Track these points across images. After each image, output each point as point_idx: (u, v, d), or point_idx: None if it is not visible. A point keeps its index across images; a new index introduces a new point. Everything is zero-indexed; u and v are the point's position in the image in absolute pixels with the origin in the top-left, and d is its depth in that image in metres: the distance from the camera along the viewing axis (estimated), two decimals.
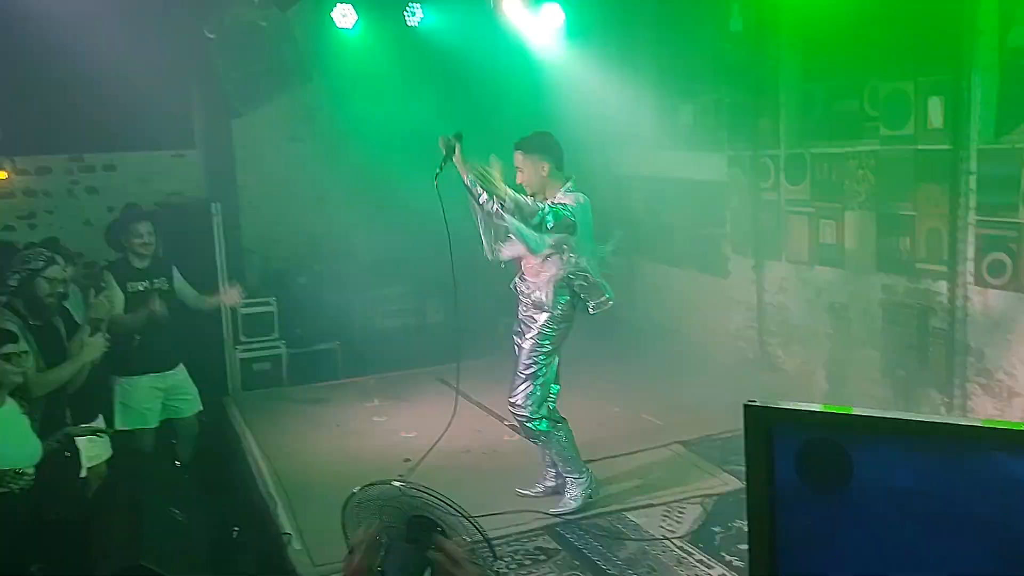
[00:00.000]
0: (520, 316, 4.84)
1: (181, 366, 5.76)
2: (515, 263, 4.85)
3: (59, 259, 4.65)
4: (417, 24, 7.31)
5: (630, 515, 4.77)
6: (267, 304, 7.65)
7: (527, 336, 4.75)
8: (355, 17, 7.16)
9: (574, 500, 4.82)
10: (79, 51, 6.17)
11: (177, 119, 7.68)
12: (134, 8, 6.45)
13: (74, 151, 7.48)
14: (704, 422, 5.76)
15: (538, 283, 4.70)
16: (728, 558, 4.21)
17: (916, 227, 5.51)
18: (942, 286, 5.37)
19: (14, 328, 4.12)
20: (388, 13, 7.19)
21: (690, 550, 4.35)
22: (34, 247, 5.01)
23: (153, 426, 5.57)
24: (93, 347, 4.52)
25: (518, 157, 4.65)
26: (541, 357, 4.71)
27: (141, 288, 5.43)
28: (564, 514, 4.76)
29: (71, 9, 6.02)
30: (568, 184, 4.68)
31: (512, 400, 4.77)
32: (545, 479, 5.06)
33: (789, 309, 6.70)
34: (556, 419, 4.82)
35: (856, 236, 5.98)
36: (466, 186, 4.52)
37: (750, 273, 7.01)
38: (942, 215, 5.31)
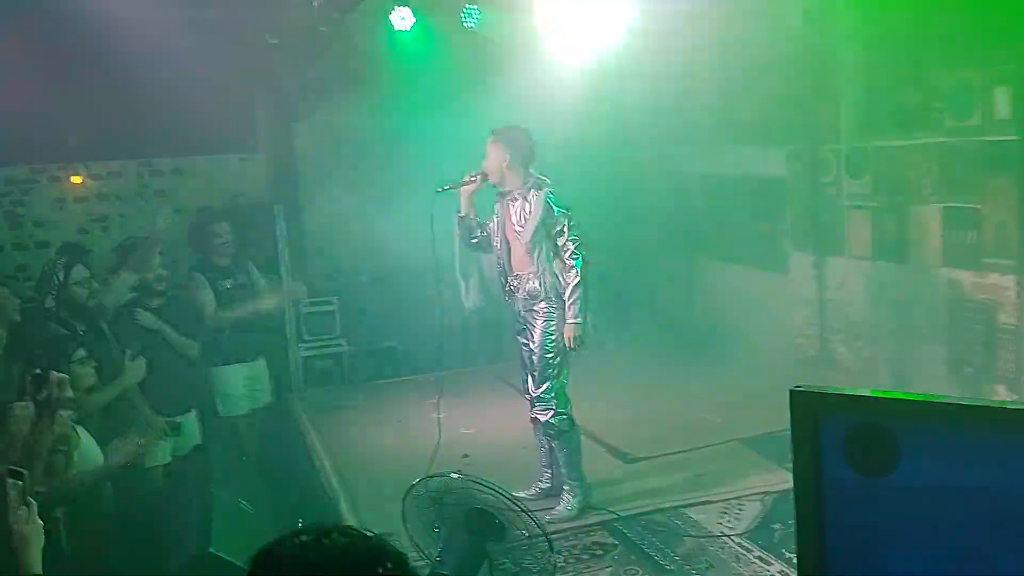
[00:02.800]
0: (521, 315, 4.83)
1: (262, 358, 6.10)
2: (498, 268, 4.92)
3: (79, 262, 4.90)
4: (474, 26, 7.37)
5: (689, 511, 4.77)
6: (329, 303, 7.81)
7: (535, 329, 4.72)
8: (413, 20, 7.25)
9: (569, 508, 4.75)
10: (148, 60, 6.39)
11: (242, 124, 7.88)
12: (200, 18, 6.66)
13: (144, 156, 7.74)
14: (764, 419, 5.69)
15: (529, 273, 4.72)
16: (787, 555, 4.17)
17: (983, 221, 5.38)
18: (1010, 281, 5.24)
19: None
20: (445, 15, 7.27)
21: (749, 547, 4.34)
22: (52, 261, 5.17)
23: (245, 412, 5.93)
24: (134, 369, 4.63)
25: (488, 142, 4.80)
26: (553, 345, 4.68)
27: (228, 285, 5.80)
28: (560, 521, 4.63)
29: (140, 20, 6.24)
30: (534, 179, 4.73)
31: (538, 394, 4.74)
32: (541, 481, 5.01)
33: (851, 305, 6.59)
34: (573, 419, 4.81)
35: (920, 230, 5.85)
36: (460, 216, 4.89)
37: (811, 269, 6.90)
38: (1010, 208, 5.18)
